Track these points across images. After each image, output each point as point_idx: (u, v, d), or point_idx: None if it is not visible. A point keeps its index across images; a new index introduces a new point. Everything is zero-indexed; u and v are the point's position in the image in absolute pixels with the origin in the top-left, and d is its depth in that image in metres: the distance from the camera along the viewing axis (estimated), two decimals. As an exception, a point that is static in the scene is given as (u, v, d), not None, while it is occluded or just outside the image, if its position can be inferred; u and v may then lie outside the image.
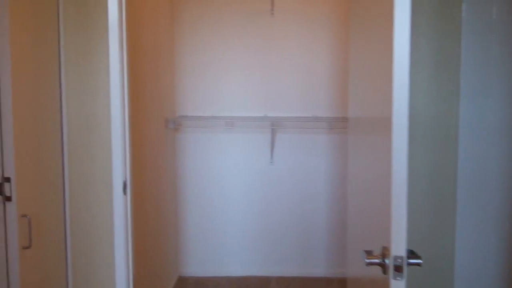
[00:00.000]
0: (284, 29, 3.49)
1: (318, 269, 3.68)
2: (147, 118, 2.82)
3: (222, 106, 3.58)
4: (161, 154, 3.21)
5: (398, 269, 1.28)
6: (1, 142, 1.76)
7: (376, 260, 1.36)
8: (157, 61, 3.10)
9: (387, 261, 1.32)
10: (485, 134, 1.97)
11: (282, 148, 3.62)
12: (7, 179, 1.78)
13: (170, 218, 3.48)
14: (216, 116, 3.57)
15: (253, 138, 3.61)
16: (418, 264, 1.30)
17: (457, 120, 1.96)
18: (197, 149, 3.61)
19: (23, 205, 1.84)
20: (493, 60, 1.95)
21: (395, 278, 1.28)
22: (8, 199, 1.78)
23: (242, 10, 3.48)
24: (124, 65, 2.10)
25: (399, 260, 1.28)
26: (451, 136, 1.97)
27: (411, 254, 1.30)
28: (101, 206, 2.18)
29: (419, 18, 1.92)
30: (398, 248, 1.29)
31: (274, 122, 3.51)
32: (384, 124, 1.38)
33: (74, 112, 2.13)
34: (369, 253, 1.41)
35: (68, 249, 2.21)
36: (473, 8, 1.94)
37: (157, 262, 3.12)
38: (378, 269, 1.38)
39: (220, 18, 3.49)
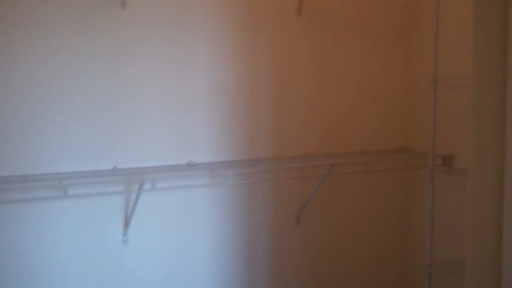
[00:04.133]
0: (142, 29, 2.27)
1: None
2: None
3: (43, 157, 2.08)
4: None
5: None
6: None
7: None
8: None
9: None
10: None
11: (143, 217, 2.32)
12: None
13: None
14: (33, 174, 2.05)
15: (96, 204, 2.21)
16: None
17: None
18: (4, 232, 2.02)
19: None
20: None
21: None
22: None
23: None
24: None
25: None
26: None
27: None
28: None
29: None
30: None
31: (128, 176, 2.21)
32: None
33: None
34: None
35: None
36: None
37: None
38: None
39: (32, 13, 2.05)
